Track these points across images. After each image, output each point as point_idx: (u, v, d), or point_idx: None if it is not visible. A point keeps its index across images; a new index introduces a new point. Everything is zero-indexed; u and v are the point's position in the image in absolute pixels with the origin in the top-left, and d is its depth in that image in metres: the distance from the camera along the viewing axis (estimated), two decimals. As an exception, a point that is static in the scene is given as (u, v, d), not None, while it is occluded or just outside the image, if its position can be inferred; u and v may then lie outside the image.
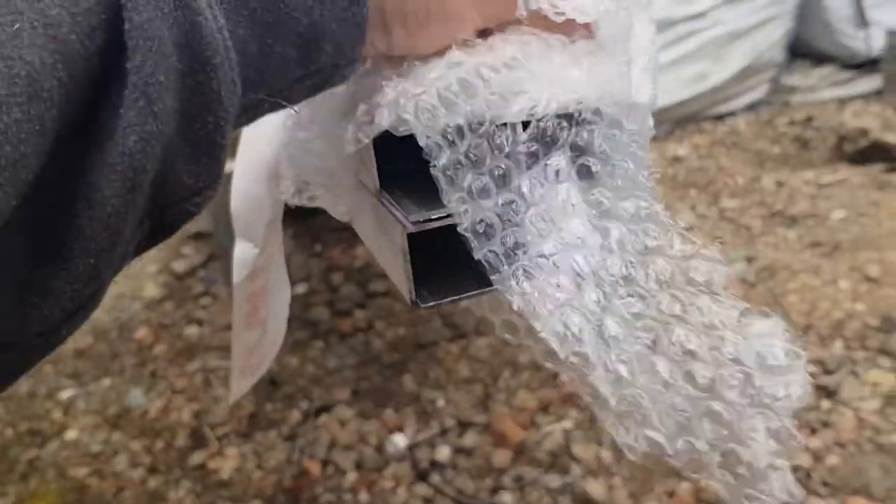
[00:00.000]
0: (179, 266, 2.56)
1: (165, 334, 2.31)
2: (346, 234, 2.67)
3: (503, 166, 0.35)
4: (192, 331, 2.33)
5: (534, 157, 0.36)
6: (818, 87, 3.42)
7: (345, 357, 2.00)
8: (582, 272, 0.39)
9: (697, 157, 2.97)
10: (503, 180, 0.35)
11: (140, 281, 2.67)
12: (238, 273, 0.52)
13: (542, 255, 0.36)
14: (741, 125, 3.20)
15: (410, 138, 0.33)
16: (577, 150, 0.38)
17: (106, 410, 1.91)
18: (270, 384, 1.92)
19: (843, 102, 3.24)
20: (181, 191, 0.28)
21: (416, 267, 0.35)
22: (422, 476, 1.57)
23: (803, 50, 3.66)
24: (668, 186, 2.75)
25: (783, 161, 2.82)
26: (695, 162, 2.94)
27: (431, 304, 0.36)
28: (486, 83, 0.36)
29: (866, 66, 3.41)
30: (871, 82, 3.34)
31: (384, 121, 0.32)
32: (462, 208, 0.34)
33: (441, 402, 1.75)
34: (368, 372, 1.92)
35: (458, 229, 0.34)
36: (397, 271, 0.36)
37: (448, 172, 0.33)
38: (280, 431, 1.75)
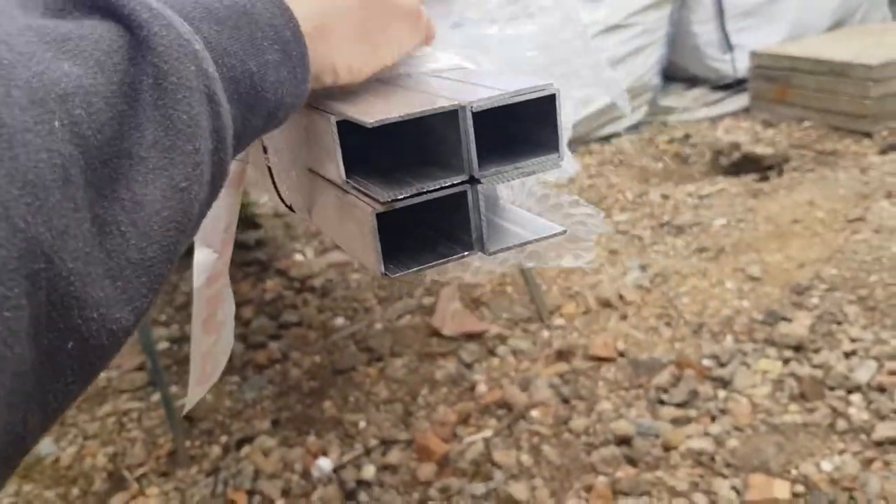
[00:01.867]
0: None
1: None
2: (254, 268, 2.66)
3: None
4: (100, 374, 2.26)
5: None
6: (692, 107, 3.68)
7: (262, 388, 1.99)
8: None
9: (588, 176, 3.14)
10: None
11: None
12: (198, 277, 0.55)
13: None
14: (626, 144, 3.40)
15: (364, 134, 0.38)
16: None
17: (12, 463, 1.84)
18: (187, 420, 1.90)
19: (715, 120, 3.50)
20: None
21: (381, 245, 0.40)
22: (350, 496, 1.59)
23: (677, 74, 3.93)
24: (564, 205, 2.88)
25: (666, 176, 3.01)
26: (586, 180, 3.10)
27: (399, 273, 0.40)
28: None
29: (734, 86, 3.71)
30: (739, 101, 3.62)
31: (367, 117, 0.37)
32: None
33: (363, 424, 1.78)
34: (288, 401, 1.93)
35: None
36: (366, 250, 0.41)
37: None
38: (201, 467, 1.73)
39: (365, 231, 0.40)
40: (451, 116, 0.39)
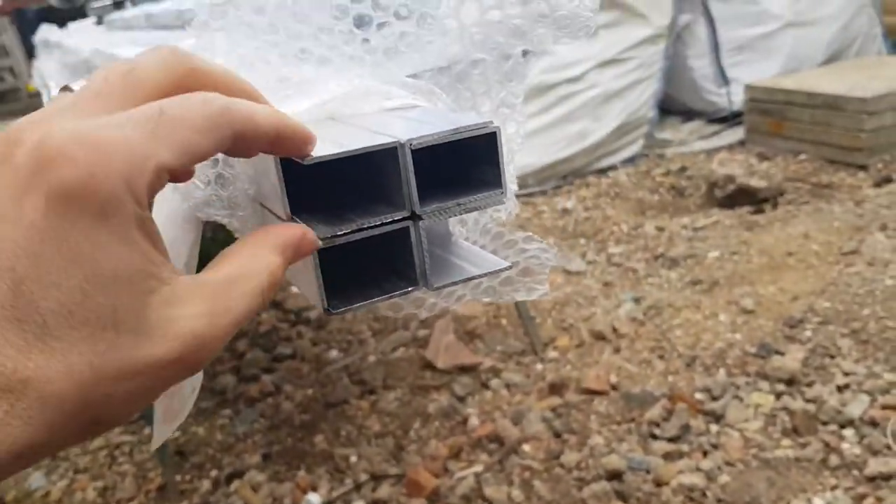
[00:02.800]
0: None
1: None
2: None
3: None
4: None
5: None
6: (688, 140, 3.71)
7: (254, 422, 1.99)
8: None
9: (584, 209, 3.15)
10: None
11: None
12: None
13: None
14: (622, 177, 3.41)
15: (311, 170, 0.39)
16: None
17: (5, 496, 1.83)
18: (178, 455, 1.89)
19: (711, 153, 3.52)
20: None
21: (326, 279, 0.40)
22: (339, 532, 1.58)
23: (673, 107, 3.97)
24: (559, 237, 2.90)
25: (662, 208, 3.02)
26: (582, 213, 3.11)
27: (341, 310, 0.41)
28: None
29: (730, 119, 3.73)
30: (734, 134, 3.65)
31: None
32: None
33: (354, 458, 1.77)
34: (279, 435, 1.92)
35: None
36: (311, 286, 0.41)
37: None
38: (191, 501, 1.72)
39: (308, 267, 0.41)
40: (391, 153, 0.39)
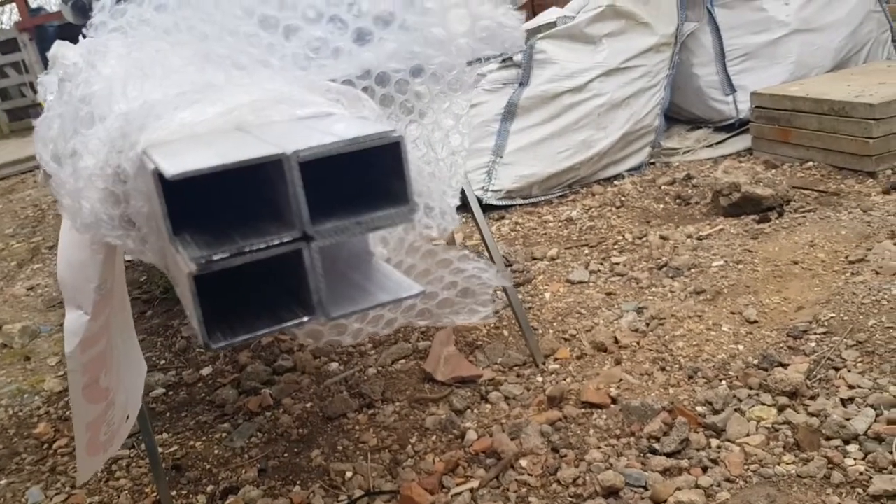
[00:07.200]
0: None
1: (66, 427, 2.23)
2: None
3: None
4: (92, 423, 2.25)
5: None
6: (695, 148, 3.67)
7: (252, 436, 1.97)
8: None
9: (589, 218, 3.12)
10: None
11: (40, 374, 2.58)
12: (69, 342, 0.53)
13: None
14: (628, 186, 3.38)
15: (203, 187, 0.35)
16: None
17: (-1, 512, 1.83)
18: (174, 469, 1.88)
19: (718, 161, 3.48)
20: None
21: (219, 306, 0.37)
22: (332, 549, 1.56)
23: (680, 115, 3.94)
24: (563, 246, 2.87)
25: (667, 217, 2.99)
26: (587, 222, 3.08)
27: (223, 344, 0.38)
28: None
29: (736, 126, 3.70)
30: (742, 141, 3.61)
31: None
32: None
33: (349, 474, 1.75)
34: (276, 449, 1.90)
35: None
36: (193, 315, 0.38)
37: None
38: (186, 517, 1.71)
39: (187, 294, 0.38)
40: (278, 166, 0.36)
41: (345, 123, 0.42)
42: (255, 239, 0.36)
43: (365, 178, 0.41)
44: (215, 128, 0.41)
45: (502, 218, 3.32)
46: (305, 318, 0.38)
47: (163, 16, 0.43)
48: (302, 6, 0.44)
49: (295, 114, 0.44)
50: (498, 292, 2.55)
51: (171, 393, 2.30)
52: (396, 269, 0.44)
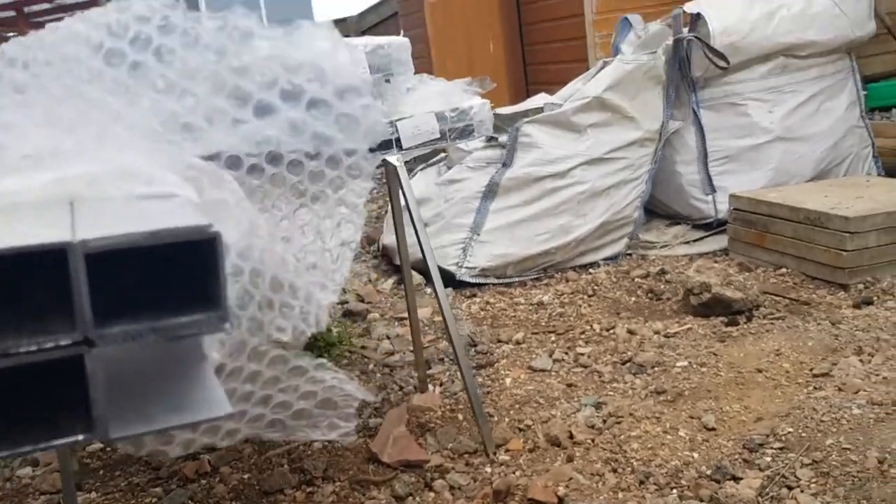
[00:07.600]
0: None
1: (-9, 477, 2.14)
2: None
3: None
4: (24, 471, 2.16)
5: None
6: (672, 243, 3.68)
7: (182, 504, 1.89)
8: None
9: (560, 304, 3.09)
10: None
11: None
12: None
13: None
14: (602, 275, 3.37)
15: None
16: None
17: None
18: (95, 534, 1.79)
19: (693, 258, 3.48)
20: None
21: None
22: None
23: (660, 209, 3.96)
24: (530, 330, 2.83)
25: (637, 310, 2.96)
26: (557, 308, 3.05)
27: None
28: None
29: (715, 226, 3.71)
30: (719, 241, 3.62)
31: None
32: None
33: (277, 554, 1.67)
34: (205, 521, 1.82)
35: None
36: None
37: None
38: (97, 588, 1.61)
39: None
40: (62, 257, 0.32)
41: (175, 210, 0.38)
42: (41, 337, 0.31)
43: (189, 276, 0.37)
44: (43, 198, 0.37)
45: (474, 296, 3.29)
46: (80, 437, 0.34)
47: (14, 70, 0.39)
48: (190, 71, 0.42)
49: (134, 191, 0.40)
50: (453, 376, 2.50)
51: (108, 449, 2.21)
52: (236, 377, 0.40)
